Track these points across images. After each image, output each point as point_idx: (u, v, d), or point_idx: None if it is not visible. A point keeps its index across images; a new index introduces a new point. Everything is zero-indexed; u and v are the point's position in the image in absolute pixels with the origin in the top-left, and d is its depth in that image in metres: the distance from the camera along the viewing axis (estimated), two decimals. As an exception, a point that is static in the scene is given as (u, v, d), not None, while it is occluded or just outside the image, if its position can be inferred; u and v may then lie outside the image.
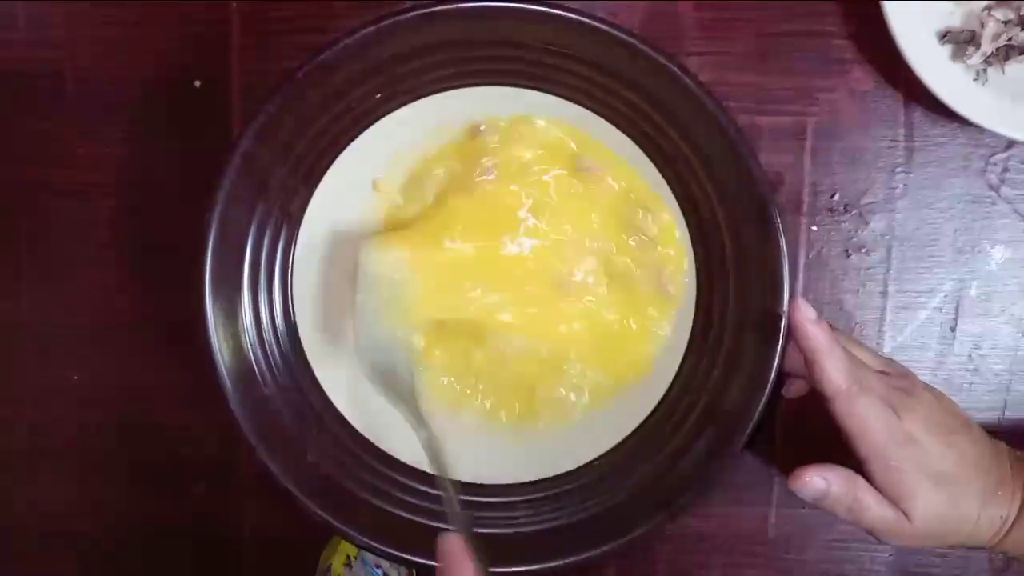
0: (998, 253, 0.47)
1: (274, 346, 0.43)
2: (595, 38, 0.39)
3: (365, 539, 0.41)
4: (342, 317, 0.44)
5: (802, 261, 0.47)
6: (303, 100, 0.40)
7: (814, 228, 0.47)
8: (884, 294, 0.47)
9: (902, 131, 0.46)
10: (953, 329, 0.47)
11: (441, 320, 0.43)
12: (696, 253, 0.42)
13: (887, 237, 0.47)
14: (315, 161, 0.42)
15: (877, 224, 0.47)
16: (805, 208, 0.46)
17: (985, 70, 0.44)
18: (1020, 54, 0.43)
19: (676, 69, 0.39)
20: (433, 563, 0.41)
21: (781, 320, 0.39)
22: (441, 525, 0.42)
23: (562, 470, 0.43)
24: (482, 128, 0.43)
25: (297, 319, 0.43)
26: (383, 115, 0.42)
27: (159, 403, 0.50)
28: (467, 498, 0.43)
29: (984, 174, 0.46)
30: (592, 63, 0.40)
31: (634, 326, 0.44)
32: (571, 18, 0.39)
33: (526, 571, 0.41)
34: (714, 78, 0.45)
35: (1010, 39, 0.43)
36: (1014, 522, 0.39)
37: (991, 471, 0.39)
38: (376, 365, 0.42)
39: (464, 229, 0.42)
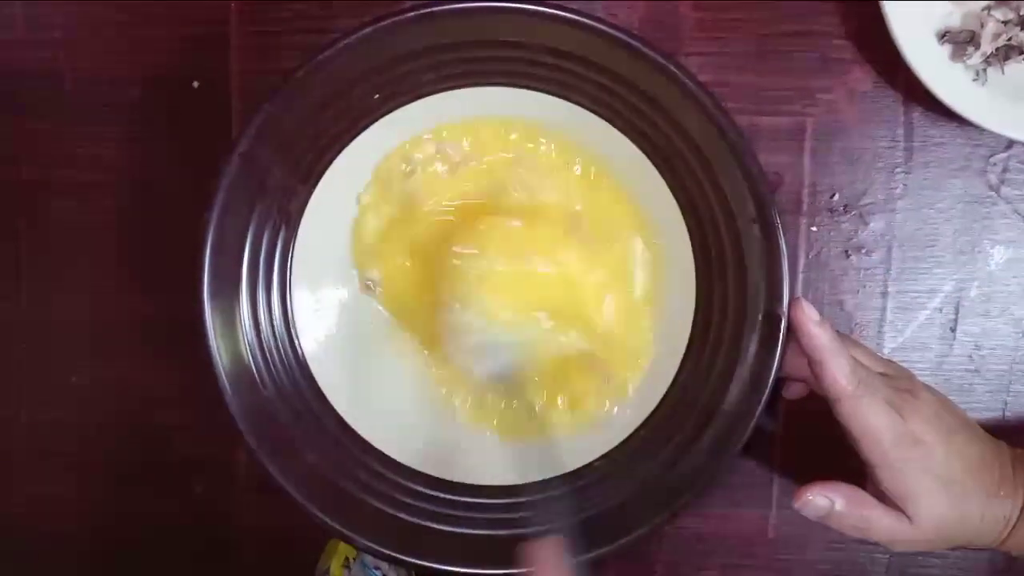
0: (998, 253, 0.46)
1: (273, 347, 0.43)
2: (594, 38, 0.39)
3: (364, 541, 0.41)
4: (341, 317, 0.44)
5: (802, 262, 0.47)
6: (302, 100, 0.40)
7: (814, 229, 0.46)
8: (884, 295, 0.47)
9: (901, 131, 0.46)
10: (953, 329, 0.47)
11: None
12: (695, 254, 0.42)
13: (887, 237, 0.46)
14: (314, 161, 0.42)
15: (877, 224, 0.46)
16: (804, 208, 0.46)
17: (985, 70, 0.44)
18: (1020, 54, 0.43)
19: (675, 69, 0.39)
20: (432, 564, 0.41)
21: (781, 321, 0.39)
22: (441, 527, 0.42)
23: (562, 471, 0.43)
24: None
25: (296, 320, 0.43)
26: (382, 115, 0.42)
27: (158, 403, 0.50)
28: (467, 499, 0.43)
29: (984, 174, 0.46)
30: (591, 63, 0.40)
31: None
32: (570, 18, 0.39)
33: (524, 573, 0.41)
34: (713, 78, 0.45)
35: (1010, 39, 0.43)
36: (1017, 521, 0.39)
37: (992, 470, 0.39)
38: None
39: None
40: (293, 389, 0.43)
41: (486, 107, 0.43)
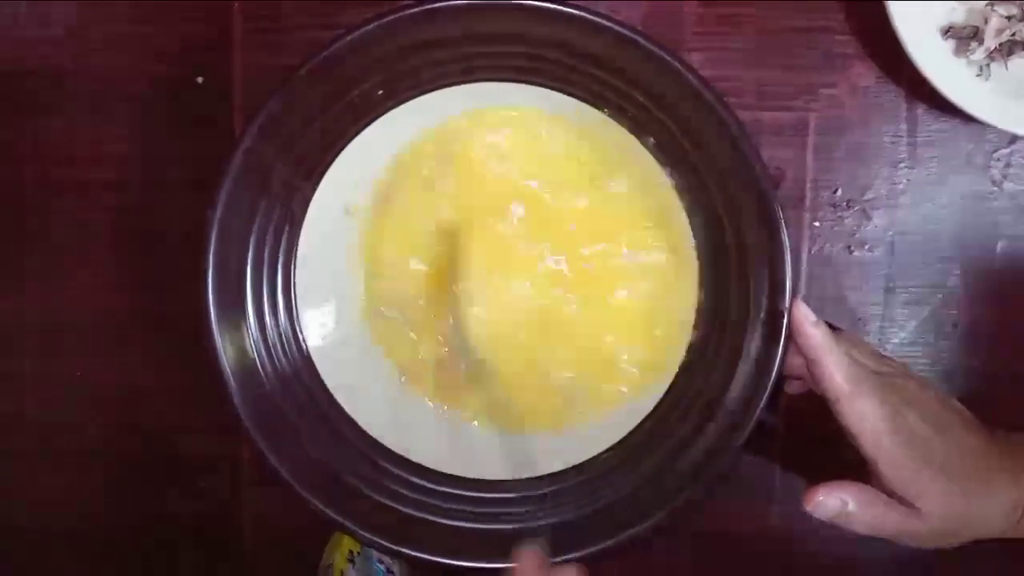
0: (1001, 248, 0.46)
1: (277, 343, 0.43)
2: (597, 33, 0.39)
3: (367, 535, 0.41)
4: (345, 312, 0.44)
5: (804, 257, 0.47)
6: (305, 97, 0.40)
7: (816, 224, 0.46)
8: (887, 290, 0.47)
9: (904, 127, 0.46)
10: (956, 325, 0.47)
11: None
12: (698, 249, 0.42)
13: (890, 233, 0.46)
14: (317, 158, 0.42)
15: (880, 220, 0.46)
16: (807, 204, 0.46)
17: (988, 66, 0.43)
18: (1023, 49, 0.43)
19: (678, 65, 0.39)
20: (432, 558, 0.41)
21: (784, 317, 0.39)
22: (444, 521, 0.42)
23: (565, 466, 0.43)
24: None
25: (300, 316, 0.43)
26: (385, 111, 0.42)
27: (162, 399, 0.50)
28: (469, 494, 0.43)
29: (987, 170, 0.46)
30: (594, 59, 0.40)
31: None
32: (573, 14, 0.39)
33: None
34: (716, 74, 0.45)
35: (1013, 34, 0.43)
36: None
37: (990, 457, 0.39)
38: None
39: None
40: (297, 385, 0.43)
41: (489, 102, 0.43)
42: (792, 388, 0.44)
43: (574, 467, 0.43)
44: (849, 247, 0.47)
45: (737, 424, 0.40)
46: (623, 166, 0.43)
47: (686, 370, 0.42)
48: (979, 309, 0.47)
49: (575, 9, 0.39)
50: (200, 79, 0.48)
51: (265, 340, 0.42)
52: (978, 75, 0.44)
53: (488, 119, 0.43)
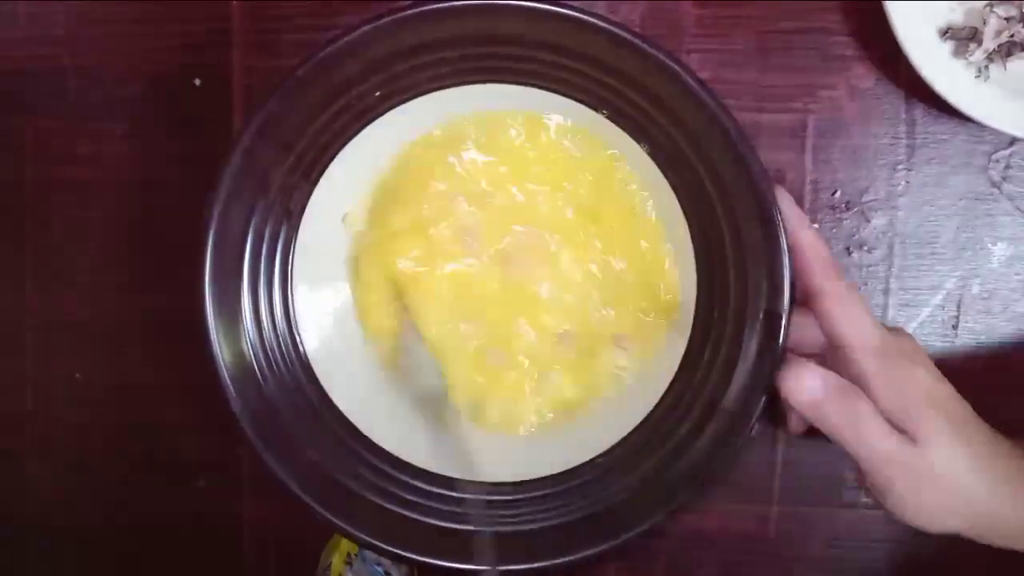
0: (1000, 250, 0.46)
1: (274, 344, 0.43)
2: (595, 35, 0.39)
3: (365, 537, 0.41)
4: (343, 315, 0.44)
5: (803, 258, 0.47)
6: (303, 98, 0.40)
7: (815, 226, 0.46)
8: (886, 291, 0.47)
9: (903, 128, 0.46)
10: (955, 327, 0.47)
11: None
12: (696, 251, 0.42)
13: (889, 234, 0.46)
14: (315, 158, 0.42)
15: (879, 221, 0.46)
16: (806, 206, 0.46)
17: (987, 67, 0.43)
18: (1022, 51, 0.43)
19: (676, 66, 0.39)
20: (429, 560, 0.41)
21: (782, 319, 0.39)
22: (442, 523, 0.42)
23: (562, 468, 0.43)
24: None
25: (297, 317, 0.43)
26: (383, 112, 0.42)
27: (160, 400, 0.50)
28: (468, 496, 0.43)
29: (986, 171, 0.46)
30: (592, 60, 0.40)
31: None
32: (571, 15, 0.39)
33: (527, 569, 0.41)
34: (714, 75, 0.45)
35: (1012, 35, 0.43)
36: None
37: (1013, 455, 0.36)
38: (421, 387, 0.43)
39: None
40: (295, 386, 0.43)
41: (487, 104, 0.43)
42: (794, 426, 0.43)
43: (573, 469, 0.43)
44: (848, 248, 0.47)
45: (736, 425, 0.40)
46: (620, 167, 0.43)
47: (684, 371, 0.42)
48: (978, 311, 0.47)
49: (572, 11, 0.39)
50: (198, 80, 0.48)
51: (262, 342, 0.42)
52: (977, 76, 0.43)
53: (486, 120, 0.43)
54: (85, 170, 0.49)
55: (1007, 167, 0.46)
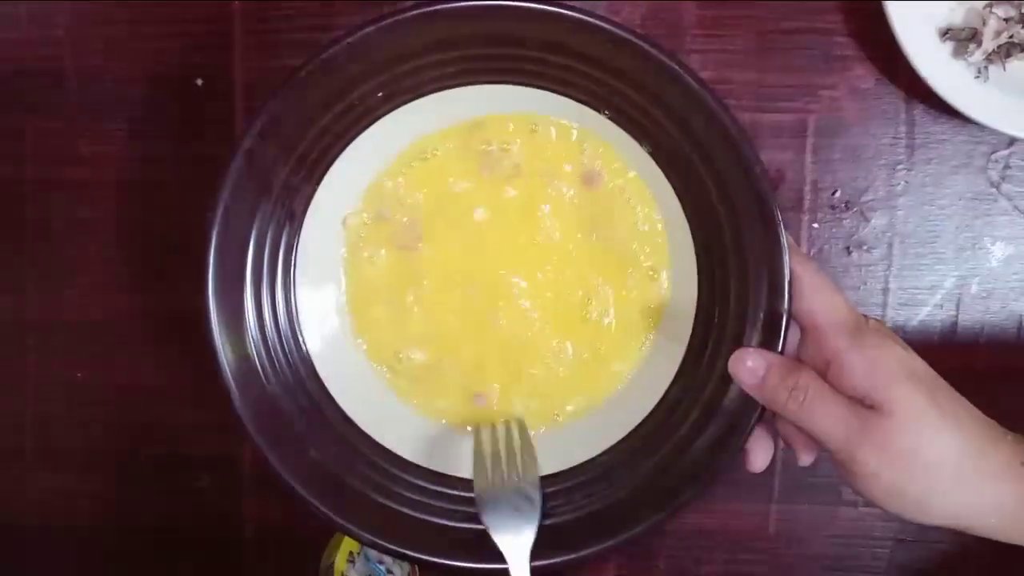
0: (999, 250, 0.47)
1: (277, 344, 0.43)
2: (596, 36, 0.39)
3: (368, 535, 0.41)
4: (345, 314, 0.44)
5: (803, 258, 0.47)
6: (305, 99, 0.40)
7: (815, 226, 0.47)
8: (885, 291, 0.47)
9: (903, 128, 0.46)
10: (954, 326, 0.47)
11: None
12: (697, 251, 0.42)
13: (888, 234, 0.47)
14: (317, 159, 0.42)
15: (878, 221, 0.47)
16: (806, 206, 0.47)
17: (986, 67, 0.44)
18: (1022, 51, 0.43)
19: (677, 67, 0.39)
20: (432, 559, 0.41)
21: (783, 318, 0.39)
22: (444, 522, 0.42)
23: (564, 467, 0.43)
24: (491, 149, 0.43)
25: (300, 317, 0.43)
26: (385, 113, 0.42)
27: (163, 399, 0.50)
28: (469, 495, 0.43)
29: (985, 171, 0.46)
30: (593, 61, 0.40)
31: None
32: (572, 16, 0.39)
33: (528, 567, 0.41)
34: (715, 75, 0.45)
35: (1011, 36, 0.43)
36: None
37: (998, 440, 0.33)
38: None
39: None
40: (297, 385, 0.43)
41: (488, 104, 0.43)
42: (803, 458, 0.39)
43: (573, 468, 0.43)
44: (848, 248, 0.47)
45: (736, 425, 0.40)
46: (621, 166, 0.43)
47: (685, 370, 0.43)
48: (977, 310, 0.47)
49: (574, 12, 0.39)
50: (200, 80, 0.48)
51: (265, 342, 0.42)
52: (976, 77, 0.44)
53: (487, 121, 0.44)
54: (86, 170, 0.49)
55: (1006, 167, 0.46)
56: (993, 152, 0.46)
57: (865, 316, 0.36)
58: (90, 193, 0.49)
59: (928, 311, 0.47)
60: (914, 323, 0.47)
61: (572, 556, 0.41)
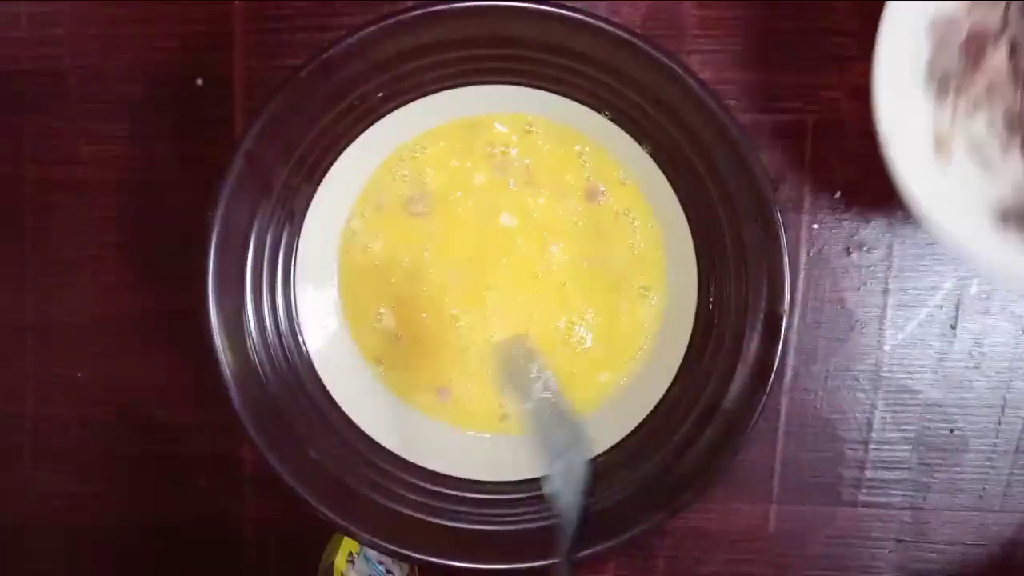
0: (999, 251, 0.47)
1: (277, 344, 0.43)
2: (596, 36, 0.39)
3: (367, 536, 0.42)
4: (346, 316, 0.44)
5: (803, 259, 0.47)
6: (306, 99, 0.40)
7: (815, 226, 0.47)
8: (885, 291, 0.47)
9: (903, 129, 0.46)
10: (954, 327, 0.47)
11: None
12: (697, 251, 0.42)
13: (888, 235, 0.47)
14: (318, 160, 0.42)
15: (878, 222, 0.47)
16: (806, 206, 0.47)
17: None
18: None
19: (677, 67, 0.39)
20: (432, 559, 0.41)
21: (782, 319, 0.39)
22: (444, 522, 0.42)
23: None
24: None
25: (300, 317, 0.43)
26: (386, 113, 0.42)
27: (162, 400, 0.50)
28: (468, 495, 0.43)
29: (985, 172, 0.46)
30: (594, 61, 0.40)
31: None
32: (572, 17, 0.39)
33: (528, 568, 0.41)
34: (716, 76, 0.45)
35: None
36: None
37: None
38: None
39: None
40: (297, 385, 0.43)
41: (489, 105, 0.43)
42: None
43: (574, 468, 0.43)
44: (848, 249, 0.47)
45: (736, 426, 0.40)
46: (622, 167, 0.43)
47: (684, 373, 0.43)
48: (977, 311, 0.47)
49: (574, 12, 0.39)
50: (200, 80, 0.48)
51: (265, 340, 0.43)
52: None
53: (488, 122, 0.44)
54: (86, 170, 0.49)
55: (1006, 168, 0.46)
56: (993, 153, 0.46)
57: None
58: (90, 193, 0.49)
59: (928, 312, 0.47)
60: (913, 324, 0.47)
61: (572, 556, 0.41)
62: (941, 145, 0.36)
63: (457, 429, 0.45)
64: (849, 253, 0.47)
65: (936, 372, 0.47)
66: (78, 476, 0.51)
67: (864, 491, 0.47)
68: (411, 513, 0.43)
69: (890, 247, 0.47)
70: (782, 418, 0.47)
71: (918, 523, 0.48)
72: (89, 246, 0.50)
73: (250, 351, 0.42)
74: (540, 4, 0.39)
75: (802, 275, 0.47)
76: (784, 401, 0.47)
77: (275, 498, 0.49)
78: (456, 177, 0.44)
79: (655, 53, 0.39)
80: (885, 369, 0.47)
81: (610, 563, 0.50)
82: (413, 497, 0.43)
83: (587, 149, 0.43)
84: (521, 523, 0.43)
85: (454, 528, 0.43)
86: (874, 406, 0.47)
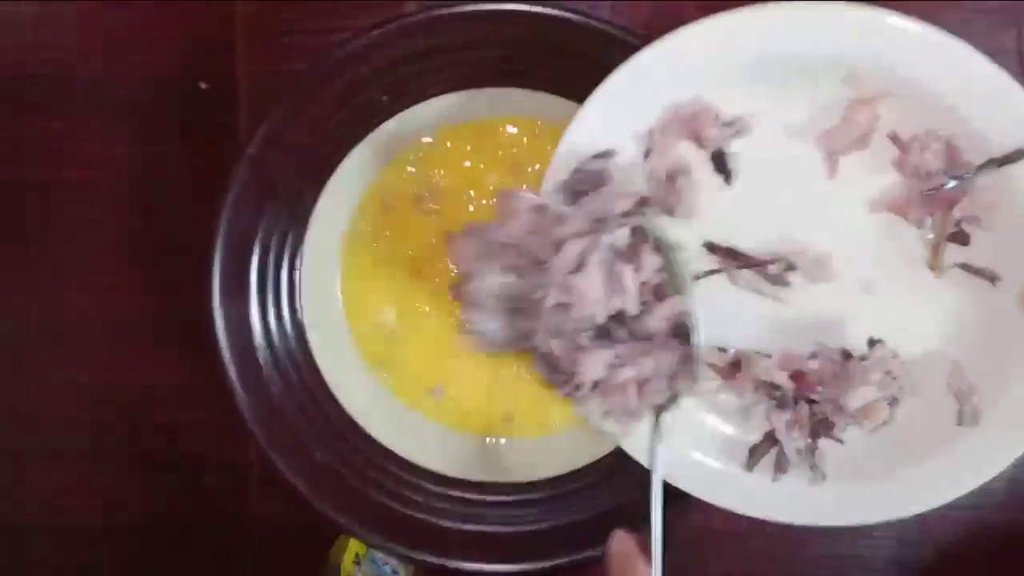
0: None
1: (282, 346, 0.43)
2: (600, 39, 0.40)
3: (372, 537, 0.42)
4: (348, 317, 0.45)
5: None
6: (310, 104, 0.40)
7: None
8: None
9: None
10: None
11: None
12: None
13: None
14: (322, 163, 0.42)
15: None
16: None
17: None
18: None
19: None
20: (436, 560, 0.41)
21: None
22: (448, 523, 0.43)
23: (566, 470, 0.44)
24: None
25: (305, 320, 0.43)
26: (389, 117, 0.42)
27: (169, 401, 0.50)
28: (470, 496, 0.44)
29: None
30: (598, 64, 0.40)
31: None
32: (576, 20, 0.39)
33: (529, 568, 0.42)
34: (717, 78, 0.45)
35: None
36: None
37: None
38: None
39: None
40: (302, 387, 0.43)
41: (492, 108, 0.43)
42: None
43: (574, 471, 0.44)
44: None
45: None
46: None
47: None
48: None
49: (578, 16, 0.39)
50: (203, 84, 0.48)
51: (270, 342, 0.43)
52: None
53: (489, 123, 0.44)
54: (90, 172, 0.49)
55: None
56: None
57: None
58: (93, 194, 0.49)
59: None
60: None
61: (576, 557, 0.41)
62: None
63: (459, 430, 0.45)
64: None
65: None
66: (80, 476, 0.52)
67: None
68: (417, 514, 0.43)
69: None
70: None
71: (918, 523, 0.48)
72: (92, 247, 0.50)
73: (256, 354, 0.42)
74: (542, 8, 0.39)
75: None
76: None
77: (281, 499, 0.49)
78: (468, 177, 0.44)
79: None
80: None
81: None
82: (419, 499, 0.43)
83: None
84: (522, 524, 0.43)
85: (458, 529, 0.43)
86: (874, 406, 0.47)
